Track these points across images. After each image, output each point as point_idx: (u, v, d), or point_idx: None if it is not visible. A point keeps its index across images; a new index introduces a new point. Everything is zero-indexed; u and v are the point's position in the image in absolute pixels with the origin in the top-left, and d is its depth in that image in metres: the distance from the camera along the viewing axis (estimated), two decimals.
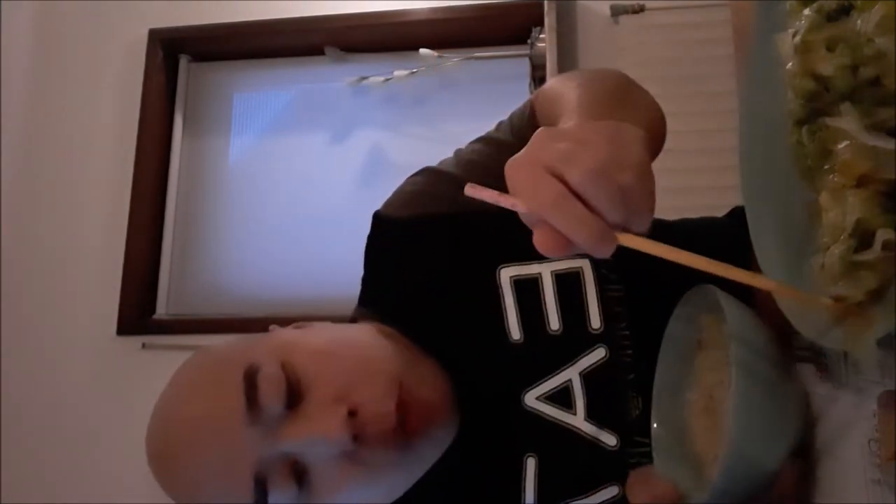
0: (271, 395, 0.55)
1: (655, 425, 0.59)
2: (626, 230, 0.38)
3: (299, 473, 0.55)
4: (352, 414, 0.55)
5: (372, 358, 0.60)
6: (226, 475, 0.55)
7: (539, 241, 0.38)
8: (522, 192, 0.38)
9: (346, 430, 0.54)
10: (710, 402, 0.55)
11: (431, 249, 0.70)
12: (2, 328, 2.28)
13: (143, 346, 2.21)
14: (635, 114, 0.59)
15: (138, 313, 2.27)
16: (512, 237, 0.69)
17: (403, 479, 0.61)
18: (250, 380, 0.55)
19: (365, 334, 0.64)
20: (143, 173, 2.34)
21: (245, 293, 2.32)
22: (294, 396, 0.56)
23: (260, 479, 0.54)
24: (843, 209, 0.38)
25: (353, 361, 0.59)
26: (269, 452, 0.55)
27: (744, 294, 0.59)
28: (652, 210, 0.39)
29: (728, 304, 0.51)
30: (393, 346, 0.63)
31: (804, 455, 0.50)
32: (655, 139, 0.64)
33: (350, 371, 0.58)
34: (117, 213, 2.31)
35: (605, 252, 0.38)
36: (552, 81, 0.73)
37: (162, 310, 2.32)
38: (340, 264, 2.23)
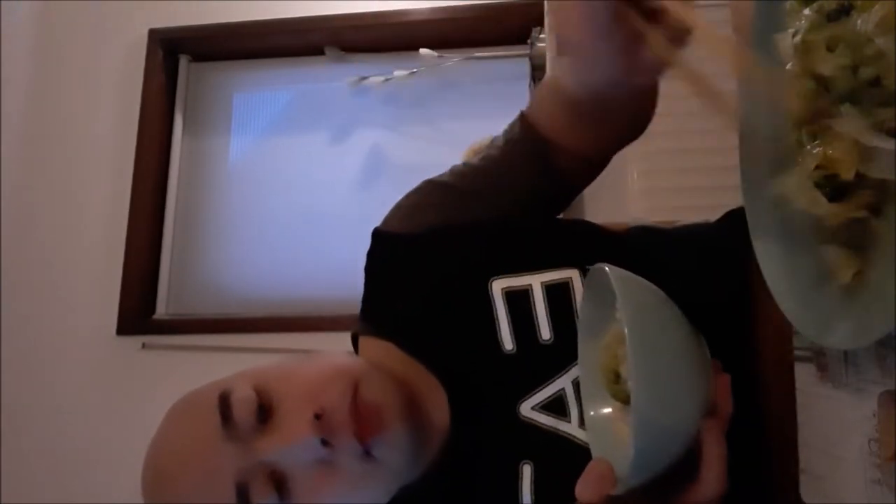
0: (244, 413, 0.59)
1: (590, 413, 0.58)
2: None
3: (279, 482, 0.58)
4: (318, 417, 0.57)
5: (333, 367, 0.63)
6: (209, 490, 0.58)
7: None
8: None
9: (312, 432, 0.57)
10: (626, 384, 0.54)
11: (427, 263, 0.72)
12: (2, 328, 2.28)
13: (143, 345, 2.22)
14: None
15: (138, 313, 2.27)
16: (503, 248, 0.71)
17: (381, 487, 0.62)
18: (224, 401, 0.59)
19: (334, 352, 0.68)
20: (143, 173, 2.34)
21: (245, 293, 2.32)
22: (266, 412, 0.59)
23: (241, 488, 0.57)
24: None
25: (317, 373, 0.63)
26: (247, 463, 0.58)
27: (743, 296, 0.59)
28: None
29: (614, 273, 0.50)
30: (360, 359, 0.68)
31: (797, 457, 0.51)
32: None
33: (313, 381, 0.61)
34: (117, 213, 2.32)
35: None
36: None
37: (162, 310, 2.32)
38: (340, 264, 2.23)
